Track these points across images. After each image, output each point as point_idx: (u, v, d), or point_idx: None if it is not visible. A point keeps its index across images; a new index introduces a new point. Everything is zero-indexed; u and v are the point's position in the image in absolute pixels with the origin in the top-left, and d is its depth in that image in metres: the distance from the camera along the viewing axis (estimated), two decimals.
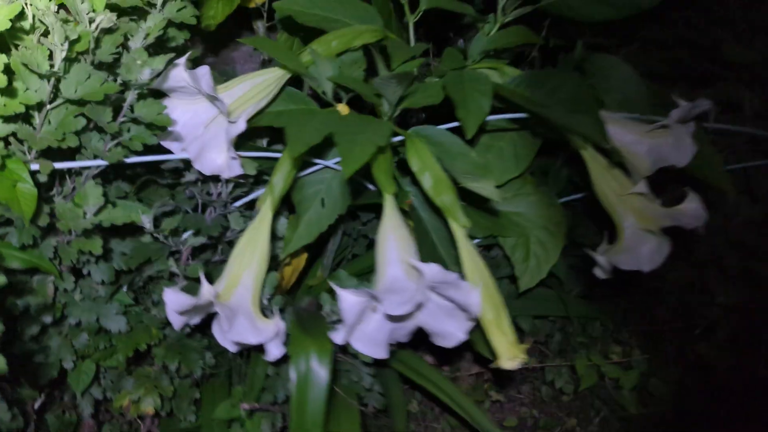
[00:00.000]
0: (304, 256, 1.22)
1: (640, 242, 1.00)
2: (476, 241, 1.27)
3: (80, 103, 0.80)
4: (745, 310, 1.33)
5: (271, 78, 0.96)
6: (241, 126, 0.87)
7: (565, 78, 1.01)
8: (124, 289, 1.05)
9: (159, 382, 1.11)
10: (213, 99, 0.87)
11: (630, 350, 1.48)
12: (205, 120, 0.93)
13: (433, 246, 1.12)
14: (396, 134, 1.00)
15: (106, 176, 1.01)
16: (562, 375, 1.54)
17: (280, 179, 0.96)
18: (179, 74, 0.85)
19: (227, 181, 0.98)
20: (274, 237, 1.08)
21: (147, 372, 1.12)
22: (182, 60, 0.84)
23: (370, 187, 1.14)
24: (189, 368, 1.07)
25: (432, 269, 0.78)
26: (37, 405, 1.08)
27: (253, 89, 0.94)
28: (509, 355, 0.89)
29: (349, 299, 0.81)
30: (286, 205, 1.07)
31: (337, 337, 0.84)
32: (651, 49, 1.41)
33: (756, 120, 1.32)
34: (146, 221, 0.93)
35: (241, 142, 1.00)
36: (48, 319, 0.96)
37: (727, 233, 1.33)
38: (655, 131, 1.00)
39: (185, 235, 1.03)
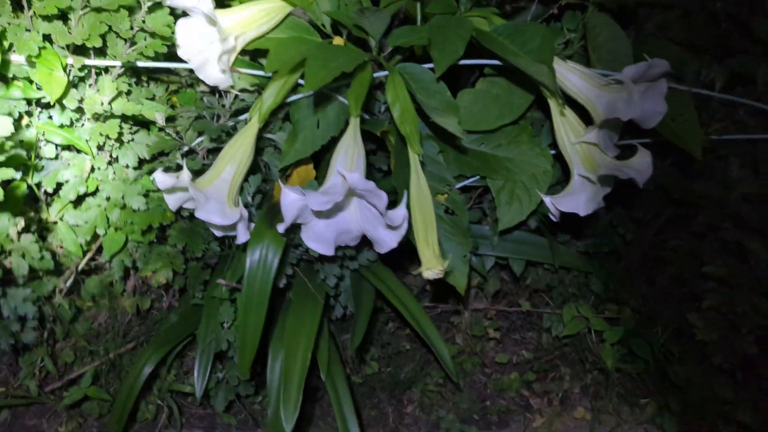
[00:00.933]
0: (310, 170, 1.38)
1: (583, 189, 1.07)
2: (470, 180, 1.38)
3: (100, 10, 1.00)
4: (732, 283, 1.33)
5: (272, 7, 1.11)
6: (230, 43, 1.04)
7: (536, 30, 1.09)
8: (151, 178, 1.27)
9: (174, 259, 1.34)
10: (211, 19, 1.04)
11: (624, 309, 1.53)
12: (210, 38, 1.10)
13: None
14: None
15: (139, 79, 1.23)
16: (559, 324, 1.62)
17: (269, 96, 1.12)
18: None
19: (226, 92, 1.15)
20: (278, 150, 1.25)
21: (166, 250, 1.35)
22: None
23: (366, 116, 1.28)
24: (192, 250, 1.28)
25: (353, 177, 0.92)
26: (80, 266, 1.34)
27: (253, 15, 1.10)
28: (429, 265, 1.01)
29: (289, 196, 0.96)
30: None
31: (280, 227, 1.01)
32: (683, 19, 1.41)
33: None
34: (159, 117, 1.13)
35: (245, 63, 1.17)
36: (82, 189, 1.19)
37: (726, 205, 1.33)
38: (614, 86, 1.05)
39: (199, 138, 1.23)
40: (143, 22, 1.04)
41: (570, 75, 1.10)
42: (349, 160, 1.01)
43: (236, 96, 1.17)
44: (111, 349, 1.48)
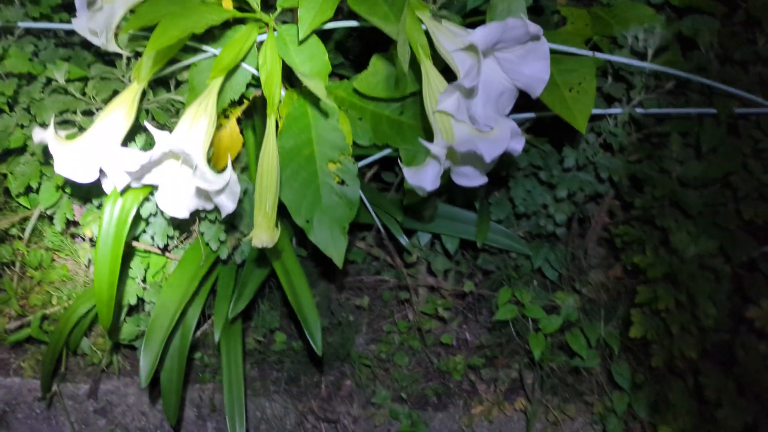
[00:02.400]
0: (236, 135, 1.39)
1: (433, 163, 0.99)
2: (386, 151, 1.33)
3: None
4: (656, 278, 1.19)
5: None
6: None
7: None
8: None
9: None
10: None
11: (567, 298, 1.41)
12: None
13: None
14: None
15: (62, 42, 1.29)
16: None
17: (148, 57, 1.14)
18: None
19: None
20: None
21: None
22: None
23: None
24: None
25: (159, 135, 0.92)
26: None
27: None
28: (258, 233, 0.99)
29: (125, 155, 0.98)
30: None
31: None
32: None
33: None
34: (58, 75, 1.19)
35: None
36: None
37: (664, 187, 1.19)
38: (469, 49, 0.96)
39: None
40: None
41: (441, 36, 1.02)
42: (192, 127, 1.01)
43: (129, 59, 1.20)
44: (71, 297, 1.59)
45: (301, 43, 1.08)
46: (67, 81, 1.22)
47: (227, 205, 1.00)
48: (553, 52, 1.11)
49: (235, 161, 1.41)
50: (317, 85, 1.06)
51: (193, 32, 1.02)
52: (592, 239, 1.44)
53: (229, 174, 0.95)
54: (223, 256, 1.26)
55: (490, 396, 1.56)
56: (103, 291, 1.08)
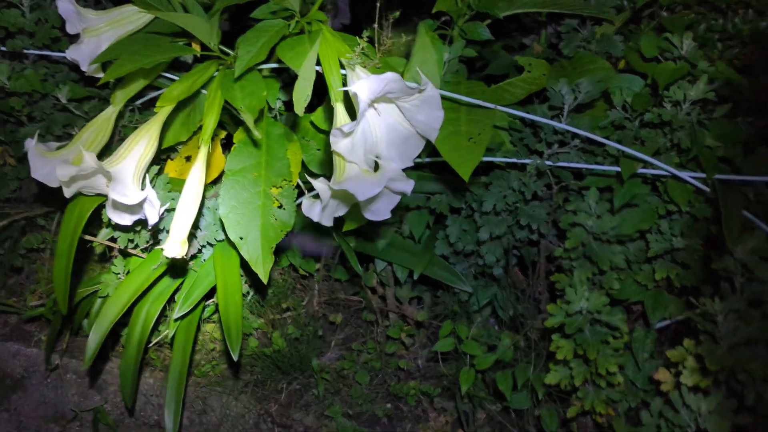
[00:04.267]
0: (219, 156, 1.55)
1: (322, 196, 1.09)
2: None
3: None
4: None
5: (129, 11, 1.31)
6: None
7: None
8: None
9: None
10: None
11: (504, 338, 1.45)
12: None
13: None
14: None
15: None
16: None
17: (122, 84, 1.32)
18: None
19: None
20: None
21: None
22: None
23: None
24: None
25: (86, 155, 1.09)
26: None
27: (114, 17, 1.31)
28: (168, 245, 1.13)
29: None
30: None
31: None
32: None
33: None
34: (60, 96, 1.41)
35: None
36: None
37: (575, 239, 1.21)
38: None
39: None
40: None
41: (350, 80, 1.12)
42: (125, 146, 1.18)
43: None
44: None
45: (237, 80, 1.22)
46: (69, 100, 1.44)
47: (150, 217, 1.16)
48: (462, 102, 1.18)
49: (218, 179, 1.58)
50: (248, 118, 1.19)
51: (142, 67, 1.19)
52: (540, 282, 1.47)
53: (146, 192, 1.11)
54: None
55: (438, 425, 1.61)
56: (60, 282, 1.28)
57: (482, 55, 1.42)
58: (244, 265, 1.35)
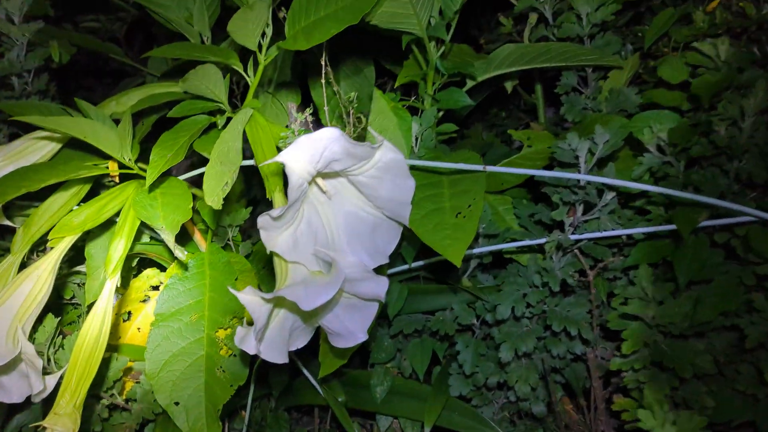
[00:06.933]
0: None
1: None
2: None
3: None
4: None
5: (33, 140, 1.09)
6: None
7: None
8: None
9: None
10: None
11: None
12: None
13: None
14: None
15: None
16: None
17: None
18: None
19: None
20: None
21: None
22: None
23: None
24: None
25: None
26: None
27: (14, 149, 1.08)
28: (53, 420, 0.79)
29: None
30: None
31: None
32: None
33: None
34: None
35: None
36: None
37: (636, 341, 0.85)
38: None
39: None
40: None
41: None
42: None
43: None
44: None
45: (151, 191, 0.95)
46: None
47: (33, 384, 0.82)
48: (448, 171, 0.89)
49: None
50: (167, 237, 0.90)
51: (29, 191, 0.92)
52: (599, 416, 1.07)
53: (19, 348, 0.79)
54: None
55: None
56: None
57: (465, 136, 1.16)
58: None
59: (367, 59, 1.29)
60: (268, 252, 0.79)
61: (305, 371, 1.21)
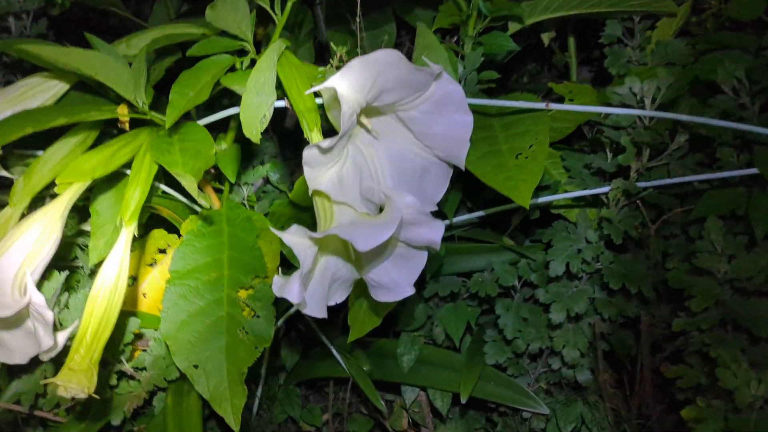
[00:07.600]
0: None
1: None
2: None
3: None
4: None
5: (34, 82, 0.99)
6: None
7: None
8: None
9: None
10: None
11: None
12: None
13: None
14: None
15: None
16: None
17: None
18: None
19: None
20: None
21: None
22: None
23: None
24: None
25: None
26: None
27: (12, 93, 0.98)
28: (66, 377, 0.70)
29: None
30: None
31: None
32: None
33: None
34: None
35: None
36: None
37: (706, 298, 0.78)
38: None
39: None
40: None
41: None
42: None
43: None
44: None
45: (171, 135, 0.86)
46: None
47: (43, 340, 0.73)
48: (503, 111, 0.81)
49: None
50: (189, 185, 0.81)
51: (35, 130, 0.83)
52: (645, 386, 1.00)
53: (29, 298, 0.70)
54: None
55: None
56: None
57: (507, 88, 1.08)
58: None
59: (387, 14, 1.22)
60: (310, 192, 0.71)
61: (325, 339, 1.13)
